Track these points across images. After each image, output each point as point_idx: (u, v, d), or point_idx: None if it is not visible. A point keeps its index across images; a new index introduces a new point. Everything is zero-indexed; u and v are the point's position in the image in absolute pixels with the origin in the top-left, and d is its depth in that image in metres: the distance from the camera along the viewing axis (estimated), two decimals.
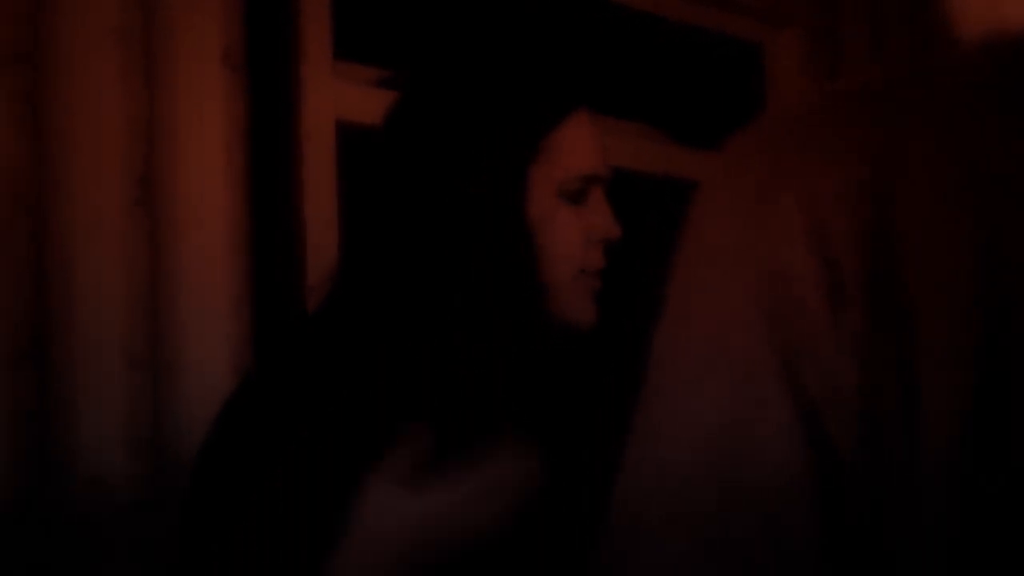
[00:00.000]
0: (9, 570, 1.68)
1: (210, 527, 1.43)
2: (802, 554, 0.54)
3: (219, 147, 1.86)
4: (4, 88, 1.68)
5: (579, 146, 1.52)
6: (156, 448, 1.78)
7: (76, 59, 1.74)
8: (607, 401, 1.49)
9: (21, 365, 1.67)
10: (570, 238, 1.50)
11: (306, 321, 1.59)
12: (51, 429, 1.71)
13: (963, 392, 0.53)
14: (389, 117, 1.53)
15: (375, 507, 1.34)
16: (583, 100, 1.53)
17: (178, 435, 1.80)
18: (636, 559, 0.58)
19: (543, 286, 1.49)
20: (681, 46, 2.63)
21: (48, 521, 1.69)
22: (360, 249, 1.51)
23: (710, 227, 0.60)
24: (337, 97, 2.02)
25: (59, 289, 1.73)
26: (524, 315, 1.48)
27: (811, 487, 0.55)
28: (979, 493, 0.53)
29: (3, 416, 1.66)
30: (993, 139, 0.56)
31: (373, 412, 1.39)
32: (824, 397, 0.55)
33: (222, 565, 1.39)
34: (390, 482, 1.34)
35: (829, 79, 2.65)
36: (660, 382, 0.61)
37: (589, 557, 0.67)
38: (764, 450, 0.56)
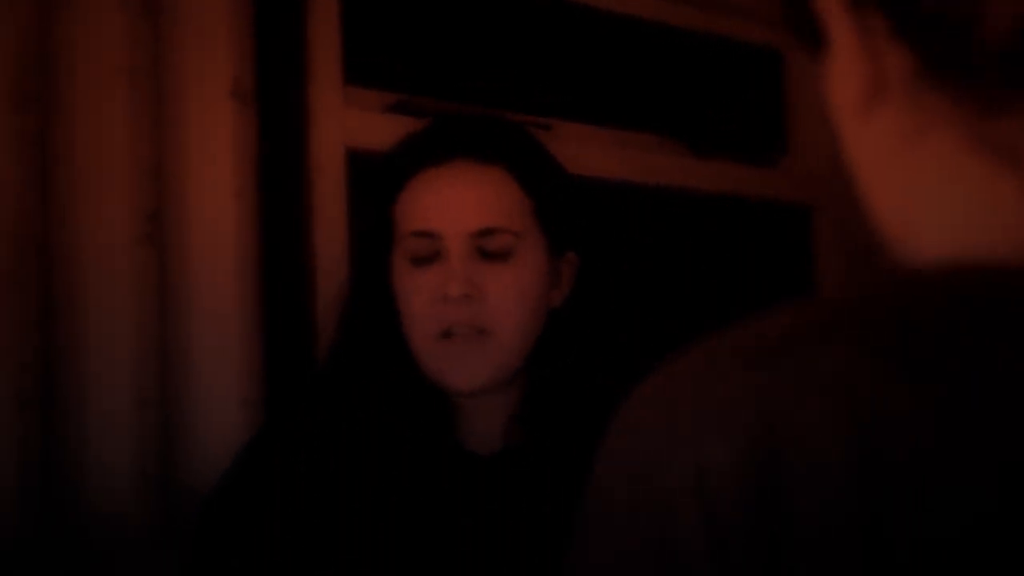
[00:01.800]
0: None
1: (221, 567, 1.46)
2: None
3: (228, 180, 1.85)
4: (13, 128, 1.67)
5: (413, 206, 1.51)
6: (165, 486, 1.79)
7: (85, 99, 1.74)
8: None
9: (28, 406, 1.68)
10: (415, 300, 1.49)
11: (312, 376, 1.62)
12: (59, 469, 1.71)
13: None
14: None
15: None
16: (435, 158, 1.51)
17: (187, 472, 1.81)
18: None
19: (408, 349, 1.51)
20: (699, 55, 2.61)
21: (56, 560, 1.70)
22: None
23: (607, 489, 0.60)
24: (347, 124, 2.01)
25: (66, 328, 1.73)
26: (393, 378, 1.49)
27: None
28: None
29: (11, 456, 1.67)
30: (883, 408, 0.55)
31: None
32: None
33: None
34: None
35: None
36: None
37: None
38: None
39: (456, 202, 1.49)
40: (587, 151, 2.33)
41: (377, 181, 1.57)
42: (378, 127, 2.02)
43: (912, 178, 0.66)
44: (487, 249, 1.48)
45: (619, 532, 0.59)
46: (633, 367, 1.58)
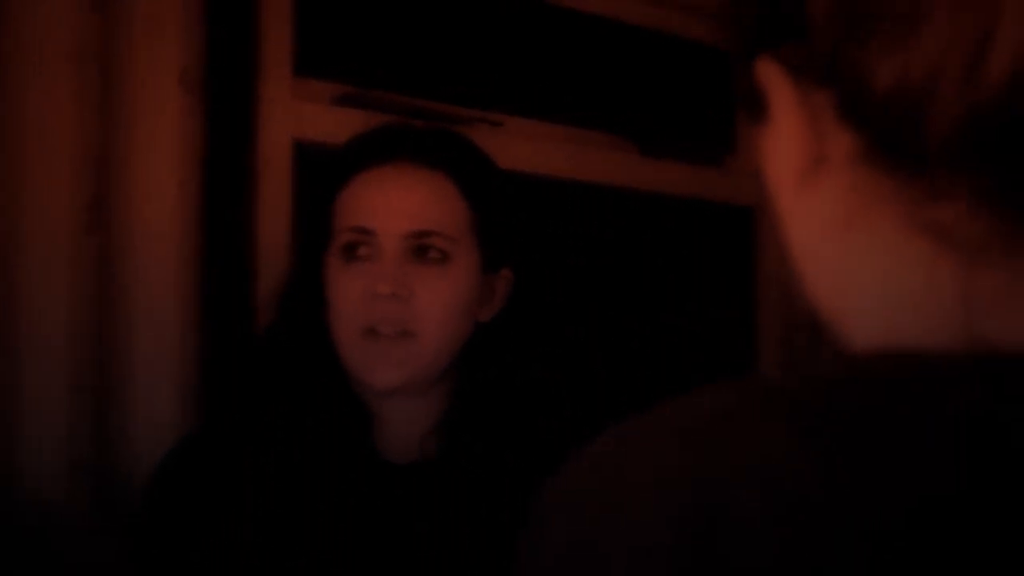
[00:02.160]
0: None
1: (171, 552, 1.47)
2: None
3: (173, 169, 1.84)
4: None
5: (353, 203, 1.51)
6: (99, 472, 1.79)
7: (30, 86, 1.72)
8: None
9: None
10: (344, 295, 1.49)
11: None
12: None
13: None
14: None
15: None
16: (379, 157, 1.52)
17: (121, 458, 1.80)
18: None
19: (334, 345, 1.51)
20: (648, 53, 2.61)
21: None
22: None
23: (538, 563, 0.60)
24: (295, 116, 2.01)
25: (4, 313, 1.72)
26: (318, 377, 1.50)
27: None
28: None
29: None
30: (810, 494, 0.56)
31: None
32: None
33: None
34: None
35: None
36: None
37: None
38: None
39: (395, 202, 1.50)
40: (536, 148, 2.33)
41: (320, 177, 1.57)
42: (327, 119, 2.01)
43: (848, 259, 0.66)
44: (422, 251, 1.48)
45: None
46: (563, 381, 1.59)
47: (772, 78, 0.66)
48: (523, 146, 2.29)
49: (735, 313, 2.74)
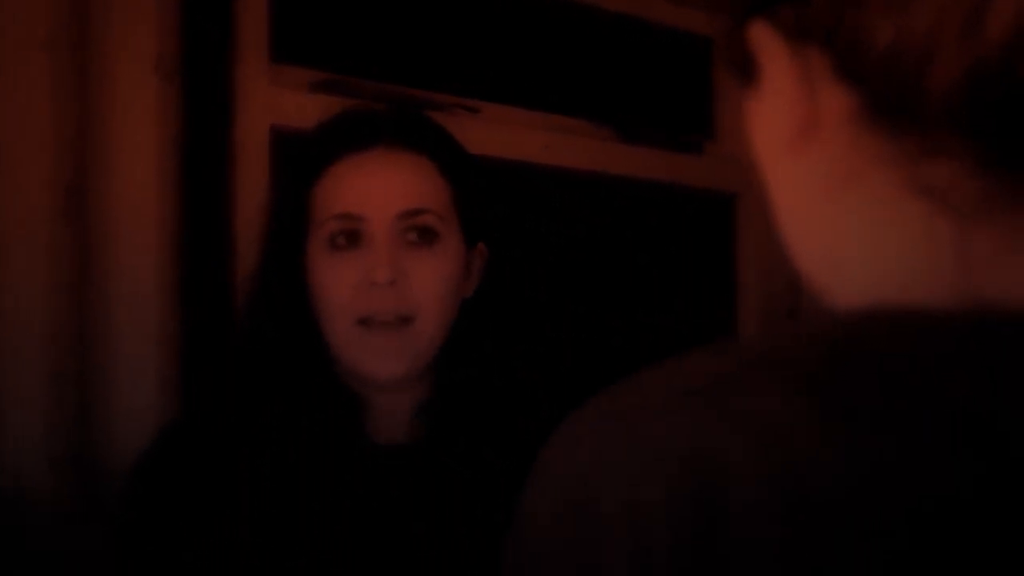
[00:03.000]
0: None
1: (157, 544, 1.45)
2: None
3: (151, 156, 1.83)
4: None
5: (335, 191, 1.48)
6: (79, 462, 1.77)
7: (6, 72, 1.71)
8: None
9: None
10: (335, 286, 1.47)
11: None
12: None
13: None
14: None
15: None
16: (358, 144, 1.50)
17: (103, 449, 1.79)
18: None
19: (323, 336, 1.49)
20: (628, 40, 2.61)
21: None
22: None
23: (537, 519, 0.60)
24: (272, 103, 2.00)
25: None
26: (303, 369, 1.48)
27: None
28: None
29: None
30: (809, 449, 0.56)
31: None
32: None
33: None
34: None
35: None
36: None
37: None
38: None
39: (381, 185, 1.48)
40: (514, 134, 2.32)
41: (295, 165, 1.55)
42: (304, 106, 2.00)
43: (844, 220, 0.65)
44: (415, 231, 1.47)
45: (547, 562, 0.59)
46: (543, 361, 1.58)
47: (766, 42, 0.66)
48: (500, 132, 2.28)
49: (715, 299, 2.74)
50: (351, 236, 1.47)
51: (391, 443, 1.51)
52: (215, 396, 1.57)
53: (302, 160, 1.54)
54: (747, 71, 0.68)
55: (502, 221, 1.63)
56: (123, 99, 1.81)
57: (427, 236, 1.47)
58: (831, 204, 0.66)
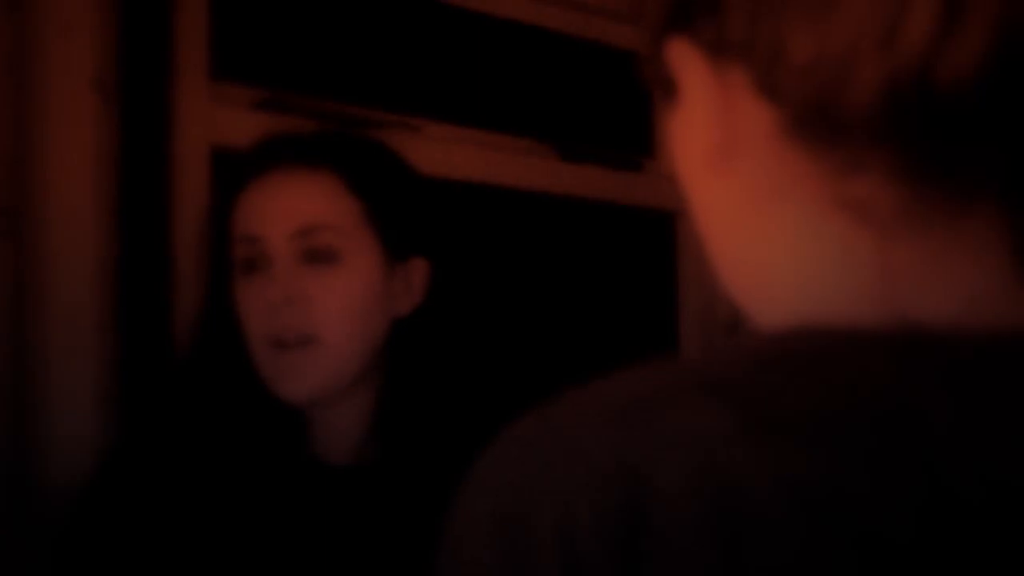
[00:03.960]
0: None
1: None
2: None
3: (88, 175, 1.82)
4: None
5: (242, 213, 1.49)
6: (15, 484, 1.76)
7: None
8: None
9: None
10: (246, 307, 1.47)
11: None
12: None
13: None
14: None
15: None
16: (260, 167, 1.50)
17: (38, 470, 1.77)
18: None
19: (247, 358, 1.48)
20: (569, 59, 2.62)
21: None
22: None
23: (466, 541, 0.60)
24: (212, 122, 1.99)
25: None
26: (242, 390, 1.48)
27: None
28: None
29: None
30: (735, 465, 0.56)
31: None
32: None
33: None
34: None
35: None
36: None
37: None
38: None
39: (275, 205, 1.48)
40: (455, 153, 2.32)
41: (218, 191, 1.56)
42: (245, 124, 1.99)
43: (766, 238, 0.66)
44: (311, 250, 1.46)
45: (481, 574, 0.59)
46: (488, 376, 1.57)
47: (684, 59, 0.66)
48: (441, 150, 2.28)
49: (656, 317, 2.75)
50: (254, 258, 1.46)
51: (343, 462, 1.50)
52: (154, 419, 1.57)
53: (223, 186, 1.54)
54: (666, 88, 0.68)
55: (445, 231, 1.61)
56: (60, 117, 1.79)
57: (326, 254, 1.46)
58: (754, 222, 0.66)
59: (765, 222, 0.66)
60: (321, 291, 1.45)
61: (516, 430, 0.61)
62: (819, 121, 0.61)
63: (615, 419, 0.58)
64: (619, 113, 2.70)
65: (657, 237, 2.76)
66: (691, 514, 0.55)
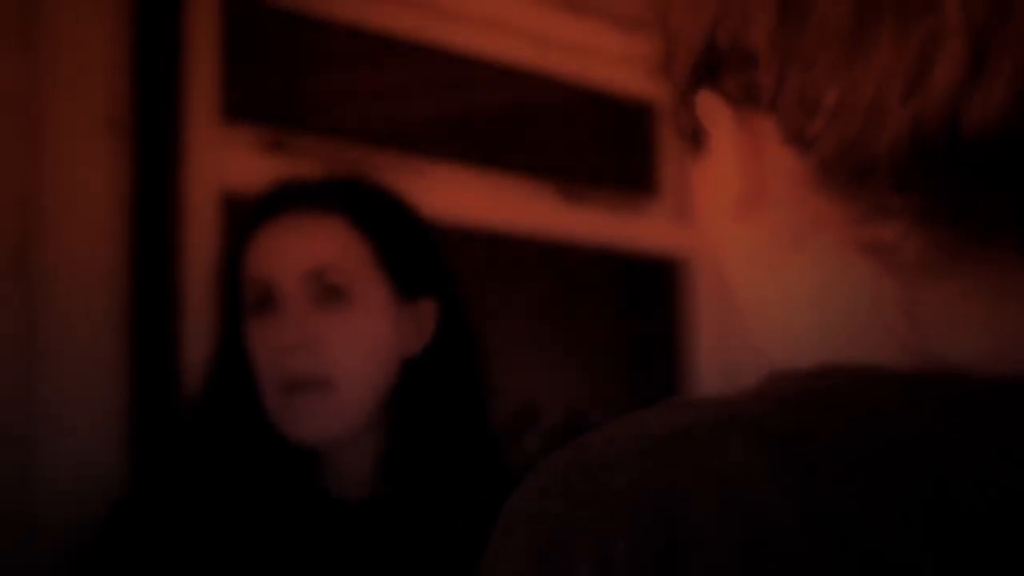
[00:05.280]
0: None
1: None
2: None
3: (99, 216, 1.83)
4: None
5: (253, 256, 1.50)
6: (28, 524, 1.76)
7: None
8: None
9: None
10: (258, 352, 1.48)
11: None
12: None
13: None
14: None
15: None
16: (271, 212, 1.52)
17: (48, 510, 1.78)
18: None
19: (258, 399, 1.49)
20: (572, 102, 2.64)
21: None
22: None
23: (503, 567, 0.60)
24: (223, 165, 2.00)
25: None
26: (254, 429, 1.48)
27: None
28: None
29: None
30: (768, 504, 0.57)
31: None
32: None
33: None
34: None
35: None
36: None
37: None
38: None
39: (285, 248, 1.49)
40: (459, 194, 2.34)
41: (232, 236, 1.58)
42: (256, 167, 2.00)
43: (792, 282, 0.66)
44: (322, 291, 1.47)
45: None
46: (494, 417, 1.58)
47: (712, 109, 0.67)
48: (445, 193, 2.30)
49: (658, 358, 2.76)
50: (264, 301, 1.47)
51: (353, 497, 1.51)
52: (167, 461, 1.57)
53: (235, 229, 1.56)
54: (694, 139, 0.69)
55: (449, 273, 1.62)
56: (72, 157, 1.81)
57: (336, 295, 1.47)
58: (779, 266, 0.67)
59: (790, 266, 0.66)
60: (332, 333, 1.46)
61: (550, 467, 0.61)
62: (846, 168, 0.62)
63: (648, 454, 0.59)
64: (623, 156, 2.71)
65: (661, 279, 2.77)
66: (722, 551, 0.56)
